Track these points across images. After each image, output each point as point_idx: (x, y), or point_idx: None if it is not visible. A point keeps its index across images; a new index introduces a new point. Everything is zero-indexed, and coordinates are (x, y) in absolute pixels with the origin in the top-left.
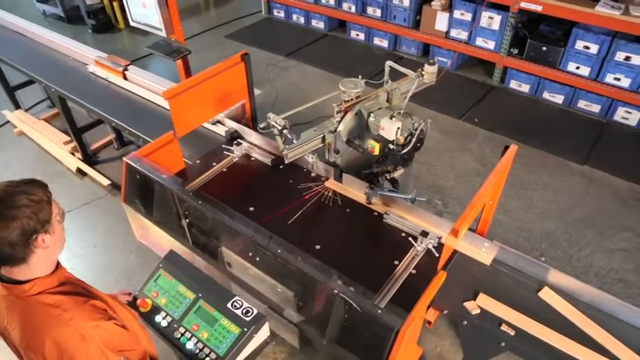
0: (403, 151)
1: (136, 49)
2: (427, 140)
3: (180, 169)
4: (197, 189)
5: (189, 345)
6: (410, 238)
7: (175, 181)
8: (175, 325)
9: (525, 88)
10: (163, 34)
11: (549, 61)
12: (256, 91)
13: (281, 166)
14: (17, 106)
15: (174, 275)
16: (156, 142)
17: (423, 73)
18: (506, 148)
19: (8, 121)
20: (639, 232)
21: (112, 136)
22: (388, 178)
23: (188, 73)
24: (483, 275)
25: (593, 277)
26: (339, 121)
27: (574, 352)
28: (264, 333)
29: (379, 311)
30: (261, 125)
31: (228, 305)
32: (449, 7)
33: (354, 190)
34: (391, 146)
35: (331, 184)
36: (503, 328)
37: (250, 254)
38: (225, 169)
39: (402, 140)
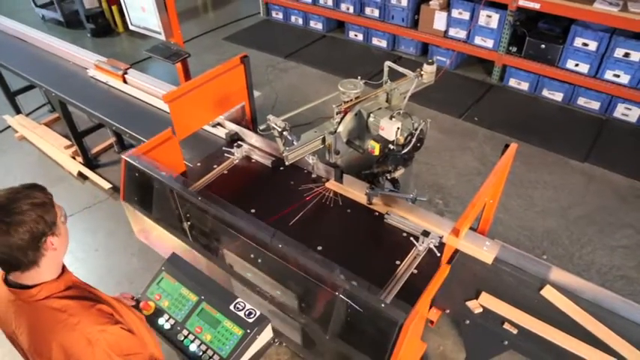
0: (403, 151)
1: (135, 53)
2: (427, 140)
3: (181, 172)
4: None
5: (193, 347)
6: (411, 238)
7: (176, 177)
8: (178, 328)
9: (525, 86)
10: (162, 37)
11: (548, 59)
12: (256, 93)
13: (281, 168)
14: (18, 111)
15: (177, 278)
16: (154, 139)
17: (422, 72)
18: (506, 146)
19: (9, 126)
20: None
21: (112, 139)
22: (389, 178)
23: (187, 75)
24: (485, 274)
25: (595, 275)
26: (339, 122)
27: (577, 349)
28: (267, 334)
29: (383, 305)
30: (261, 127)
31: (231, 307)
32: (447, 7)
33: (355, 190)
34: (391, 146)
35: (332, 185)
36: (506, 326)
37: (253, 253)
38: (225, 172)
39: (402, 140)
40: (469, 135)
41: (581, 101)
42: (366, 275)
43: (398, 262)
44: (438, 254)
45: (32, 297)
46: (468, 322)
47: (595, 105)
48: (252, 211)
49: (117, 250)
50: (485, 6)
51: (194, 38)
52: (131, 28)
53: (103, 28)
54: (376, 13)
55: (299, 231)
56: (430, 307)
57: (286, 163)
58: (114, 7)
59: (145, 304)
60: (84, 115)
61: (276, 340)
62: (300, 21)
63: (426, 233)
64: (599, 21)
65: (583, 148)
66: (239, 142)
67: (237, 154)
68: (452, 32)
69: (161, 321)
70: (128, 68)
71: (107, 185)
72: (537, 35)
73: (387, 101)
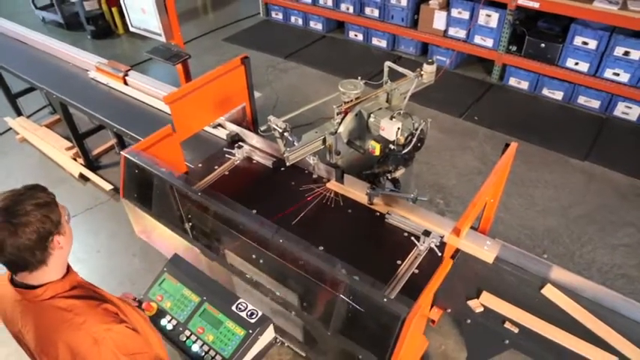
0: (404, 151)
1: (136, 54)
2: (427, 139)
3: (182, 173)
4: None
5: (195, 348)
6: (412, 238)
7: (175, 172)
8: (181, 329)
9: (524, 85)
10: (163, 39)
11: (548, 58)
12: (256, 94)
13: (282, 169)
14: (19, 113)
15: (179, 279)
16: (154, 135)
17: (422, 72)
18: (507, 146)
19: (10, 128)
20: None
21: (113, 141)
22: (389, 178)
23: (188, 77)
24: (486, 273)
25: (596, 273)
26: (340, 123)
27: (577, 348)
28: (269, 335)
29: (385, 299)
30: (262, 128)
31: (233, 308)
32: (446, 6)
33: (356, 190)
34: (392, 146)
35: (333, 185)
36: (507, 325)
37: (255, 249)
38: (227, 172)
39: (402, 140)
40: (469, 134)
41: (581, 100)
42: (368, 275)
43: (399, 262)
44: (439, 254)
45: (38, 297)
46: (469, 321)
47: (595, 104)
48: (254, 211)
49: (119, 251)
50: (485, 5)
51: (194, 39)
52: (131, 29)
53: (104, 29)
54: (376, 13)
55: (300, 231)
56: (431, 307)
57: (287, 164)
58: (114, 9)
59: (147, 304)
60: (85, 117)
61: (278, 340)
62: (300, 21)
63: (427, 233)
64: (599, 19)
65: (583, 147)
66: (240, 143)
67: (238, 155)
68: (451, 32)
69: (163, 322)
70: (129, 70)
71: (108, 187)
72: (537, 34)
73: (387, 101)
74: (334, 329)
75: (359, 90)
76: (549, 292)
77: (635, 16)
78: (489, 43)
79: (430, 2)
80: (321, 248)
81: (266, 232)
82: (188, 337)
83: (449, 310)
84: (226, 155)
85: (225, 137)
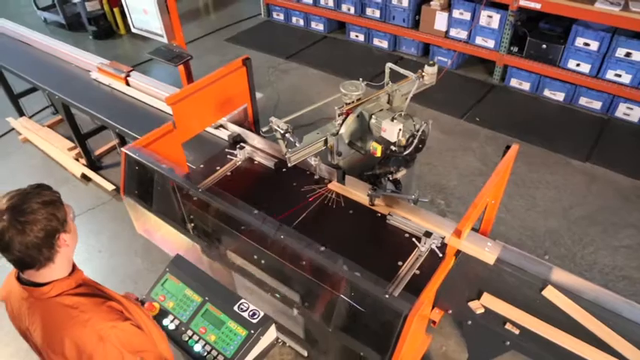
0: (405, 153)
1: (137, 55)
2: (429, 140)
3: (184, 174)
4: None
5: (197, 348)
6: (413, 239)
7: (175, 169)
8: (183, 328)
9: (526, 86)
10: (165, 40)
11: (549, 59)
12: (258, 95)
13: (284, 169)
14: (21, 114)
15: (181, 279)
16: (155, 132)
17: (423, 74)
18: (508, 148)
19: (13, 129)
20: None
21: (115, 141)
22: (391, 179)
23: (190, 77)
24: (487, 275)
25: (598, 275)
26: (341, 124)
27: (579, 350)
28: (271, 335)
29: (387, 296)
30: (264, 129)
31: (235, 308)
32: (448, 7)
33: (357, 191)
34: (393, 148)
35: (334, 186)
36: (508, 327)
37: (257, 245)
38: (228, 173)
39: (403, 142)
40: (471, 135)
41: (583, 101)
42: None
43: (400, 263)
44: (440, 255)
45: (45, 294)
46: (470, 322)
47: (597, 105)
48: (255, 212)
49: (121, 251)
50: (486, 6)
51: (195, 40)
52: (133, 31)
53: (105, 30)
54: (377, 13)
55: (301, 231)
56: (433, 308)
57: (289, 165)
58: (115, 10)
59: (149, 305)
60: (87, 118)
61: (279, 341)
62: (301, 22)
63: (428, 234)
64: (601, 21)
65: (585, 148)
66: (242, 144)
67: (239, 156)
68: (453, 32)
69: (166, 322)
70: (131, 71)
71: (110, 187)
72: (538, 35)
73: (388, 103)
74: (336, 326)
75: (360, 91)
76: (550, 293)
77: (636, 17)
78: (491, 44)
79: (431, 3)
80: (323, 249)
81: (268, 228)
82: (190, 337)
83: (450, 311)
84: (228, 156)
85: (226, 138)
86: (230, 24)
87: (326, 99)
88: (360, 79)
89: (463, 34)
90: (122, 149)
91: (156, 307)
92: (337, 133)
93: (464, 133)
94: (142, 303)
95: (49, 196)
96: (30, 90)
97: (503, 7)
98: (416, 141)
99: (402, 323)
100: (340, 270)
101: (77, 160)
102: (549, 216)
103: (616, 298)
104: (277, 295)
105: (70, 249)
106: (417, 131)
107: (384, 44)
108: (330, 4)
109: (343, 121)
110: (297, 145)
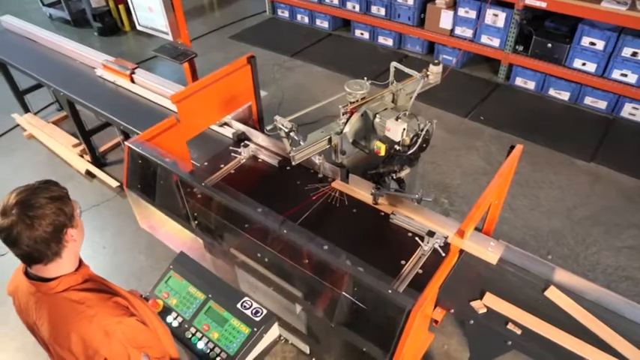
0: (409, 152)
1: (142, 52)
2: (433, 139)
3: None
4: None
5: (200, 345)
6: (416, 238)
7: (178, 162)
8: (186, 326)
9: (531, 85)
10: (170, 37)
11: (555, 58)
12: (262, 93)
13: (288, 168)
14: (26, 110)
15: (185, 276)
16: (158, 125)
17: (428, 73)
18: (512, 148)
19: (18, 125)
20: None
21: (120, 138)
22: (394, 178)
23: (194, 74)
24: (490, 274)
25: (600, 275)
26: (345, 123)
27: (580, 350)
28: (273, 332)
29: (390, 291)
30: (269, 127)
31: (238, 305)
32: (453, 5)
33: (361, 190)
34: (397, 147)
35: (338, 184)
36: (510, 327)
37: (260, 241)
38: (232, 171)
39: (407, 141)
40: (475, 134)
41: (588, 101)
42: None
43: (403, 262)
44: (443, 254)
45: (52, 289)
46: (472, 322)
47: (602, 104)
48: (259, 210)
49: (124, 247)
50: (492, 5)
51: (200, 37)
52: (139, 28)
53: (110, 27)
54: (382, 11)
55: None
56: (435, 307)
57: (293, 163)
58: (121, 6)
59: (153, 302)
60: (92, 114)
61: (282, 338)
62: (306, 19)
63: (431, 233)
64: (607, 20)
65: (589, 148)
66: (246, 142)
67: (244, 154)
68: (458, 31)
69: (169, 319)
70: (135, 68)
71: (115, 183)
72: (544, 34)
73: (393, 102)
74: (338, 322)
75: (365, 90)
76: (553, 294)
77: None
78: (496, 42)
79: (437, 1)
80: (326, 247)
81: (272, 223)
82: (193, 335)
83: (452, 311)
84: (232, 154)
85: (231, 136)
86: (234, 21)
87: (330, 97)
88: (365, 77)
89: (468, 33)
90: (126, 143)
91: (159, 304)
92: (341, 132)
93: (468, 132)
94: (146, 300)
95: (57, 192)
96: (35, 86)
97: (508, 6)
98: (420, 140)
99: (406, 319)
100: (344, 265)
101: (82, 156)
102: (553, 216)
103: (618, 299)
104: (281, 287)
105: (77, 244)
106: (421, 130)
107: (389, 42)
108: (335, 1)
109: (347, 119)
110: (301, 143)
